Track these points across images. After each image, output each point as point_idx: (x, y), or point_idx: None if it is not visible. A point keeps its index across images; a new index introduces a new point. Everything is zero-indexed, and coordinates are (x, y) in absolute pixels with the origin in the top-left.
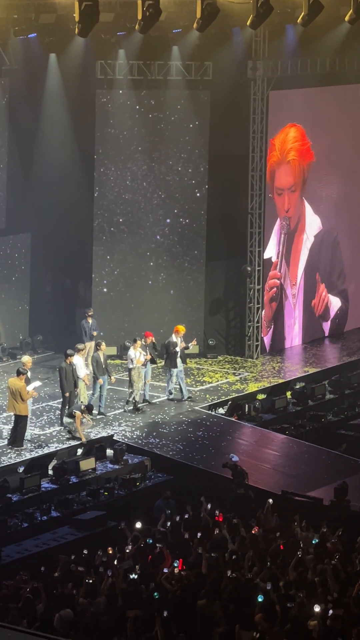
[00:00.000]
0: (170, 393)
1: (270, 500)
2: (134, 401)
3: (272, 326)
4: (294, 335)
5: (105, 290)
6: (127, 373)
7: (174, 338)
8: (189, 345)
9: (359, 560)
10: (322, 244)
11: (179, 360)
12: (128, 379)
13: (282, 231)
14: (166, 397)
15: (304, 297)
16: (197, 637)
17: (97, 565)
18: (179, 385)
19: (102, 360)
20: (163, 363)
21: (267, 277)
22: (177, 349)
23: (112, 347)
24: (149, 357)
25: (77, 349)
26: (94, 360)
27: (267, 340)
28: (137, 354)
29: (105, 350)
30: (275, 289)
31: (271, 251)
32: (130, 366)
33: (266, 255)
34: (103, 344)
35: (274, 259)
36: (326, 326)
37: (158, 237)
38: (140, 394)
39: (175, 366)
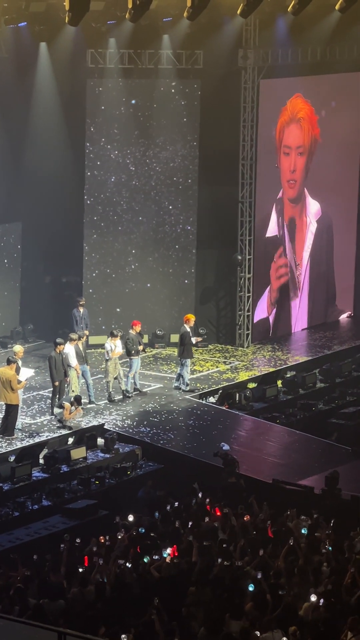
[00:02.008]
0: (187, 385)
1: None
2: (112, 390)
3: (276, 308)
4: (298, 317)
5: (96, 278)
6: (105, 364)
7: (187, 328)
8: (199, 336)
9: (347, 547)
10: (322, 231)
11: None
12: (105, 369)
13: (283, 197)
14: (182, 389)
15: (309, 283)
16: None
17: (89, 554)
18: (182, 375)
19: (81, 349)
20: (177, 353)
21: (274, 257)
22: (193, 339)
23: (102, 336)
24: (141, 347)
25: (70, 338)
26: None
27: (271, 319)
28: (114, 346)
29: (83, 340)
30: (285, 277)
31: (272, 230)
32: (107, 357)
33: (268, 234)
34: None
35: (276, 234)
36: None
37: (148, 225)
38: (132, 382)
39: (192, 356)
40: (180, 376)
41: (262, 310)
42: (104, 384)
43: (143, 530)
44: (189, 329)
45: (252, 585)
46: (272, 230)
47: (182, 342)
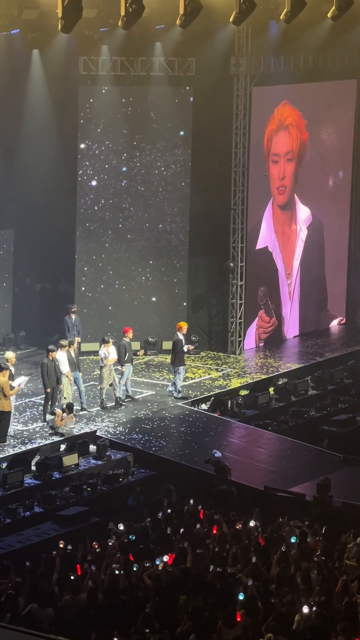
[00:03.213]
0: (179, 392)
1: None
2: (105, 397)
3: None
4: (289, 326)
5: (88, 286)
6: (99, 371)
7: (179, 336)
8: (191, 343)
9: (337, 555)
10: (312, 237)
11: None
12: (99, 375)
13: (273, 203)
14: (174, 396)
15: (300, 291)
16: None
17: (80, 561)
18: (175, 382)
19: (73, 356)
20: (170, 361)
21: (260, 314)
22: (185, 347)
23: (94, 343)
24: (131, 362)
25: (61, 344)
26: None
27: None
28: (107, 353)
29: (75, 347)
30: (270, 332)
31: (262, 241)
32: (101, 364)
33: (258, 246)
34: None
35: (266, 245)
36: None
37: (140, 233)
38: (123, 389)
39: (184, 363)
40: (174, 383)
41: (251, 340)
42: (97, 390)
43: (134, 537)
44: (181, 337)
45: (242, 594)
46: (262, 241)
47: (175, 350)
